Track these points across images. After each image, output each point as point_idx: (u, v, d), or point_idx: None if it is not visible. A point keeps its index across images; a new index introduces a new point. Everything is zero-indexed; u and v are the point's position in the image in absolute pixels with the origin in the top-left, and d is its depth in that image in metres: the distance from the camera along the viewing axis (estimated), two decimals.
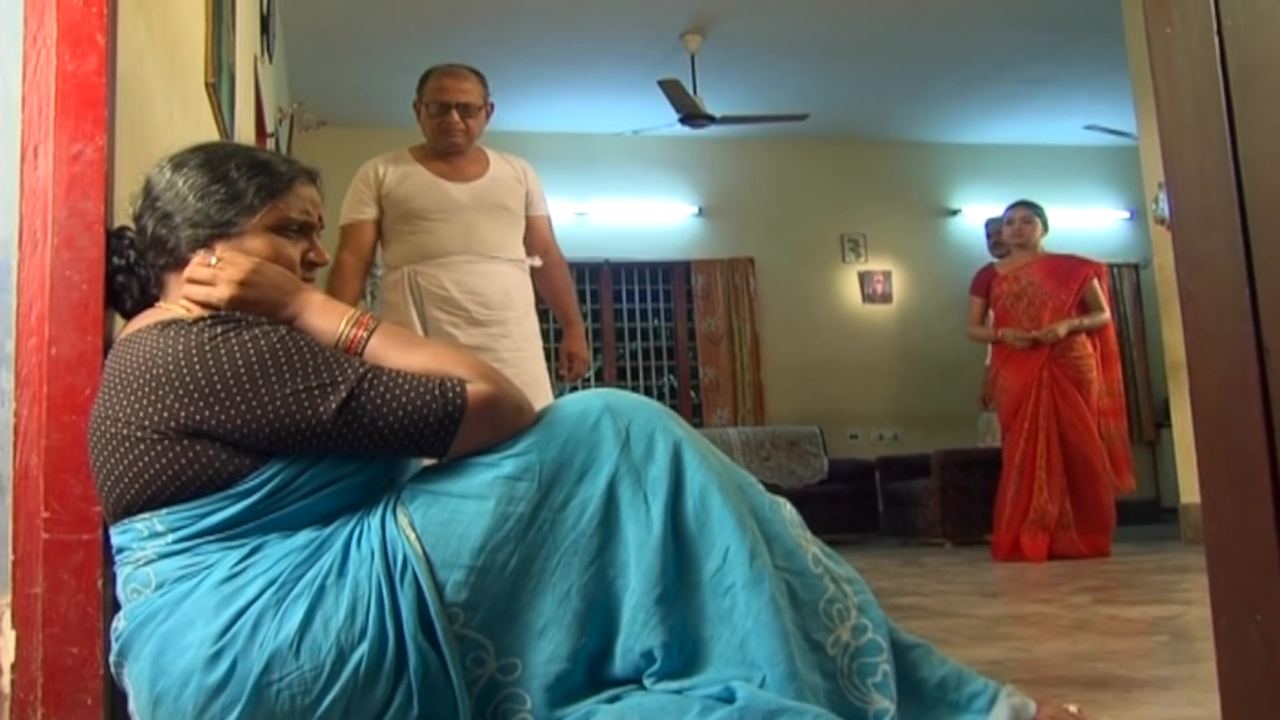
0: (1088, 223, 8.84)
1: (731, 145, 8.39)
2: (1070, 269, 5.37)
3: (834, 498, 7.32)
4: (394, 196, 3.23)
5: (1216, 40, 0.76)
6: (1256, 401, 0.74)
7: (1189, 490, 5.69)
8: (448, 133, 3.24)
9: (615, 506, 1.32)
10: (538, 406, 2.93)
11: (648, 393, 8.36)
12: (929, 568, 4.88)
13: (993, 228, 6.20)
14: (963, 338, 6.00)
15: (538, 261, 3.43)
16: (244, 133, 3.80)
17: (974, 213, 8.84)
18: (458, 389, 1.32)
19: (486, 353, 3.07)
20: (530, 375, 3.19)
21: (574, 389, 2.84)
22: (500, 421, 1.34)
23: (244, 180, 1.45)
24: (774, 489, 5.46)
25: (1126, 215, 9.05)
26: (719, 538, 1.31)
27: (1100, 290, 5.37)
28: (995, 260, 5.82)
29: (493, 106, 3.38)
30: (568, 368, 3.48)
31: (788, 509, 1.42)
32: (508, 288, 3.24)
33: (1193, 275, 0.80)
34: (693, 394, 8.40)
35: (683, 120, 6.81)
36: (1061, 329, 5.19)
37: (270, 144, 5.15)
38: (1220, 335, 0.77)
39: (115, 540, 1.37)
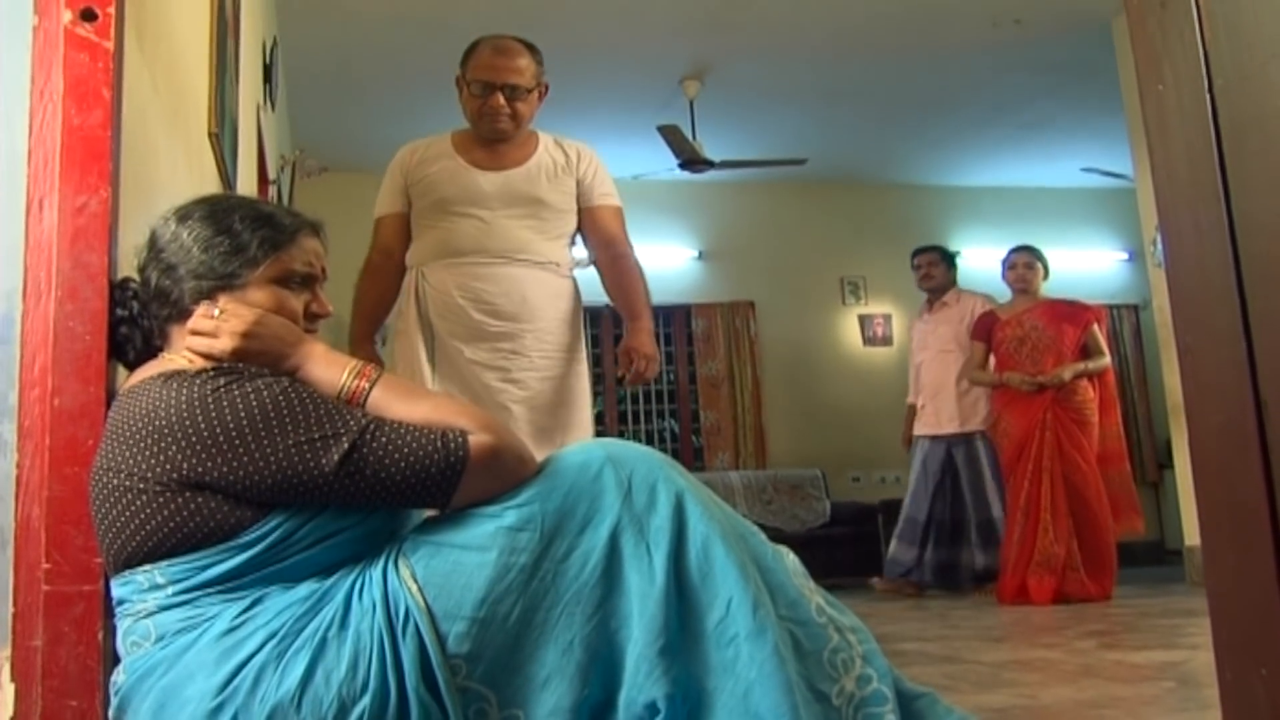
0: (1086, 264, 8.86)
1: (731, 190, 8.43)
2: (1072, 314, 5.40)
3: (837, 541, 7.28)
4: (421, 184, 2.88)
5: (1208, 97, 0.77)
6: (1256, 454, 0.74)
7: (1193, 532, 5.66)
8: (491, 118, 2.84)
9: (618, 557, 1.32)
10: (574, 431, 2.72)
11: (649, 436, 8.37)
12: (932, 611, 4.85)
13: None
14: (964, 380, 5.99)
15: (584, 262, 3.01)
16: (246, 181, 3.83)
17: (973, 255, 8.86)
18: (459, 440, 1.32)
19: (495, 371, 2.75)
20: (547, 402, 2.78)
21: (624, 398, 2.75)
22: (502, 472, 1.34)
23: (248, 233, 1.46)
24: (776, 532, 5.38)
25: (1125, 256, 9.08)
26: (722, 588, 1.30)
27: (1100, 335, 5.40)
28: (996, 305, 5.84)
29: (547, 87, 2.94)
30: (626, 366, 2.90)
31: (791, 558, 1.42)
32: (526, 295, 2.80)
33: (1189, 328, 0.80)
34: (694, 438, 8.38)
35: (682, 165, 6.85)
36: (1066, 373, 5.20)
37: (272, 191, 5.18)
38: (1218, 388, 0.77)
39: (116, 592, 1.36)
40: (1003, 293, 5.77)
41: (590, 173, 2.96)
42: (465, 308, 2.77)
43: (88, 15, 1.53)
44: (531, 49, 2.90)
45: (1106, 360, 5.38)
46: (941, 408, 5.90)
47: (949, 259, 6.16)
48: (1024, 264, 5.52)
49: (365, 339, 2.91)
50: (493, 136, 2.88)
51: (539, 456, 2.43)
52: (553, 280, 2.87)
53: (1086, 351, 5.34)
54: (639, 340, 2.89)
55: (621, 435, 8.10)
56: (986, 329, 5.55)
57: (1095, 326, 5.39)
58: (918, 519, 5.88)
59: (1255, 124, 0.74)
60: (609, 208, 2.98)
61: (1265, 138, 0.74)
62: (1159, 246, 5.81)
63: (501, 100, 2.82)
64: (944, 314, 6.04)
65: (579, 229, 2.99)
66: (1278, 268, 0.73)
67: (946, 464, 5.88)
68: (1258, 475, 0.75)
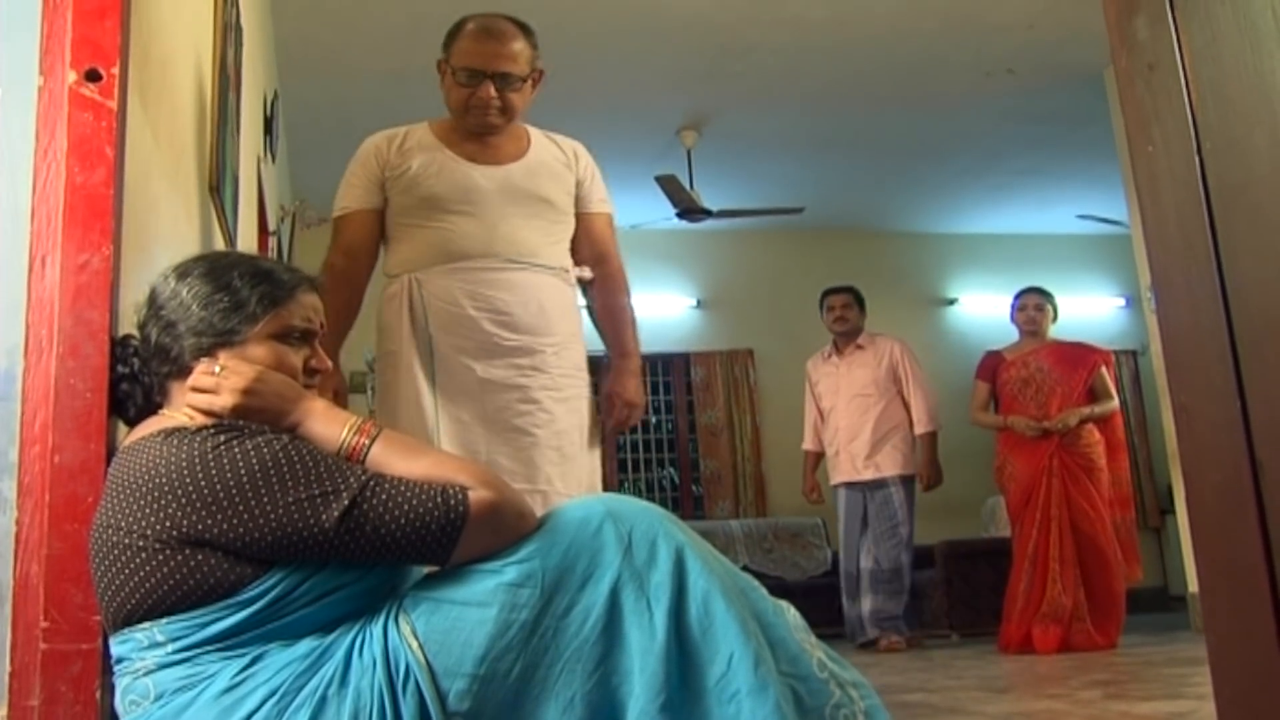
0: (1084, 310, 8.89)
1: (729, 238, 8.47)
2: (1079, 356, 5.37)
3: (838, 589, 7.21)
4: (402, 178, 2.53)
5: (1197, 160, 0.79)
6: (1253, 514, 0.74)
7: (1196, 580, 5.63)
8: (479, 111, 2.52)
9: (618, 613, 1.31)
10: (578, 469, 2.51)
11: (649, 485, 8.35)
12: (936, 661, 4.82)
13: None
14: (965, 426, 5.95)
15: (587, 273, 2.66)
16: (247, 233, 3.85)
17: (971, 302, 8.90)
18: (460, 496, 1.32)
19: (513, 392, 2.43)
20: (567, 426, 2.49)
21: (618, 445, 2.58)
22: (502, 528, 1.34)
23: (247, 289, 1.47)
24: (777, 581, 5.33)
25: (1122, 302, 9.11)
26: (723, 644, 1.30)
27: (1108, 378, 5.36)
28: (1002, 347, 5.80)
29: (542, 73, 2.60)
30: (609, 413, 2.63)
31: (791, 613, 1.41)
32: (543, 305, 2.49)
33: (1184, 388, 0.81)
34: (694, 487, 8.36)
35: (680, 215, 6.89)
36: (1072, 419, 5.15)
37: (272, 242, 5.20)
38: (1214, 448, 0.78)
39: (115, 650, 1.35)
40: (1004, 339, 5.75)
41: (589, 175, 2.69)
42: (476, 319, 2.44)
43: (92, 76, 1.55)
44: (525, 30, 2.57)
45: (1114, 404, 5.32)
46: (858, 453, 5.72)
47: (861, 302, 5.98)
48: (1034, 305, 5.50)
49: (329, 356, 2.58)
50: (480, 131, 2.56)
51: (563, 487, 2.40)
52: (565, 289, 2.59)
53: (1094, 394, 5.30)
54: (623, 384, 2.63)
55: (621, 485, 8.08)
56: (991, 369, 5.50)
57: (1103, 369, 5.35)
58: (853, 571, 5.74)
59: (1243, 188, 0.75)
60: (604, 215, 2.71)
61: (1252, 202, 0.75)
62: (1156, 294, 5.84)
63: (491, 91, 2.50)
64: (858, 357, 5.87)
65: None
66: (1270, 328, 0.74)
67: (864, 511, 5.72)
68: (1255, 534, 0.75)
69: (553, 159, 2.63)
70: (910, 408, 5.78)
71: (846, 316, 5.89)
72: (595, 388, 2.67)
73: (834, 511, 6.00)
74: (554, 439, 2.47)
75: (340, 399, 2.56)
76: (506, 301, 2.46)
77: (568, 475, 2.48)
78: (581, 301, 2.68)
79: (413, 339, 2.46)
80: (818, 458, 6.02)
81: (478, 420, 2.43)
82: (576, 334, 2.58)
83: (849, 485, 5.75)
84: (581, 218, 2.66)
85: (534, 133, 2.67)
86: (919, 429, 5.72)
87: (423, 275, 2.48)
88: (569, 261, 2.62)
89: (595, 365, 2.65)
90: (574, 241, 2.66)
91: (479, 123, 2.55)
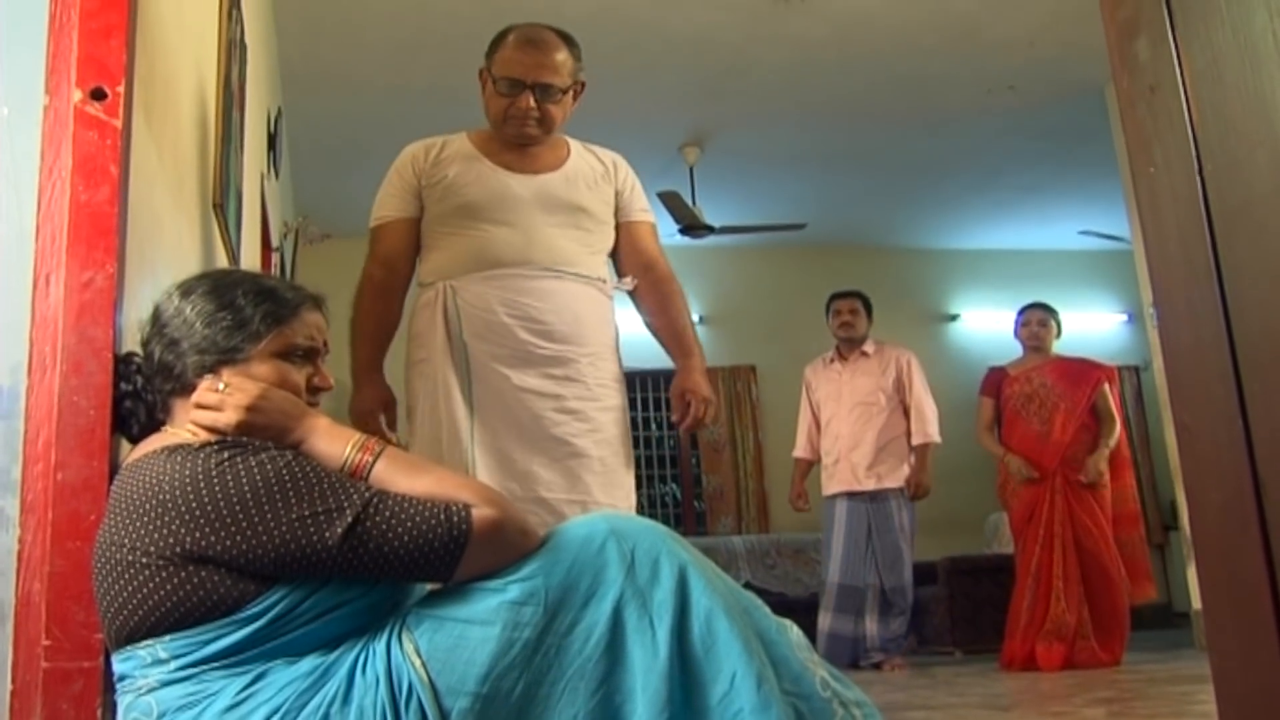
0: (1087, 326, 8.89)
1: (731, 254, 8.49)
2: (1083, 372, 5.35)
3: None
4: (438, 186, 2.51)
5: (1198, 181, 0.79)
6: (1256, 534, 0.74)
7: (1200, 598, 5.60)
8: (518, 122, 2.50)
9: (621, 631, 1.31)
10: (620, 481, 2.48)
11: (652, 502, 8.33)
12: (939, 679, 4.80)
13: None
14: (967, 442, 5.92)
15: (628, 284, 2.64)
16: (250, 249, 3.86)
17: (973, 318, 8.91)
18: (463, 514, 1.32)
19: (548, 400, 2.40)
20: (610, 436, 2.46)
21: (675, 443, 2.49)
22: (505, 546, 1.34)
23: (250, 307, 1.47)
24: (780, 596, 5.26)
25: (1124, 318, 9.11)
26: (725, 662, 1.30)
27: (1111, 396, 5.33)
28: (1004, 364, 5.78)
29: (583, 85, 2.59)
30: (682, 411, 2.58)
31: (794, 632, 1.41)
32: (579, 315, 2.47)
33: (1187, 407, 0.81)
34: (696, 503, 8.35)
35: (683, 231, 6.91)
36: (1102, 463, 5.11)
37: (275, 258, 5.21)
38: (1216, 468, 0.78)
39: (117, 668, 1.35)
40: (1007, 354, 5.73)
41: (629, 185, 2.67)
42: (511, 327, 2.41)
43: (98, 94, 1.55)
44: (569, 41, 2.54)
45: (1117, 430, 5.28)
46: (859, 463, 5.53)
47: (869, 308, 5.79)
48: (1038, 321, 5.47)
49: (373, 367, 2.52)
50: (518, 142, 2.55)
51: (604, 497, 2.38)
52: (601, 300, 2.55)
53: (1095, 414, 5.29)
54: (693, 380, 2.58)
55: None
56: (995, 385, 5.48)
57: (1105, 386, 5.31)
58: (859, 586, 5.42)
59: (1244, 208, 0.76)
60: (647, 224, 2.69)
61: (1253, 222, 0.75)
62: (1158, 313, 5.84)
63: (531, 101, 2.48)
64: (863, 365, 5.68)
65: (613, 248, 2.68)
66: (1272, 348, 0.74)
67: (866, 524, 5.50)
68: (1258, 553, 0.75)
69: (590, 169, 2.62)
70: (910, 418, 5.66)
71: (853, 322, 5.71)
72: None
73: (819, 522, 5.81)
74: (595, 448, 2.44)
75: (390, 412, 2.52)
76: (542, 310, 2.43)
77: (610, 486, 2.43)
78: (620, 314, 2.65)
79: (447, 346, 2.43)
80: (809, 465, 5.82)
81: (513, 429, 2.40)
82: (612, 346, 2.56)
83: (850, 495, 5.54)
84: (623, 227, 2.65)
85: (573, 143, 2.67)
86: (916, 439, 5.58)
87: (458, 282, 2.46)
88: (605, 272, 2.60)
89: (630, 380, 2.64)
90: (617, 251, 2.65)
91: (516, 134, 2.54)
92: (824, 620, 5.46)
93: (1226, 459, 0.77)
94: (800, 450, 5.84)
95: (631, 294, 2.67)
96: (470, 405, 2.41)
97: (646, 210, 2.71)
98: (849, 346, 5.75)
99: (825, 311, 5.92)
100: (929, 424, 5.60)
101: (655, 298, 2.66)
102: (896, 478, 5.52)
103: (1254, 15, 0.77)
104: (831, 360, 5.81)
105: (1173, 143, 0.81)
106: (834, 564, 5.50)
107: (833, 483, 5.61)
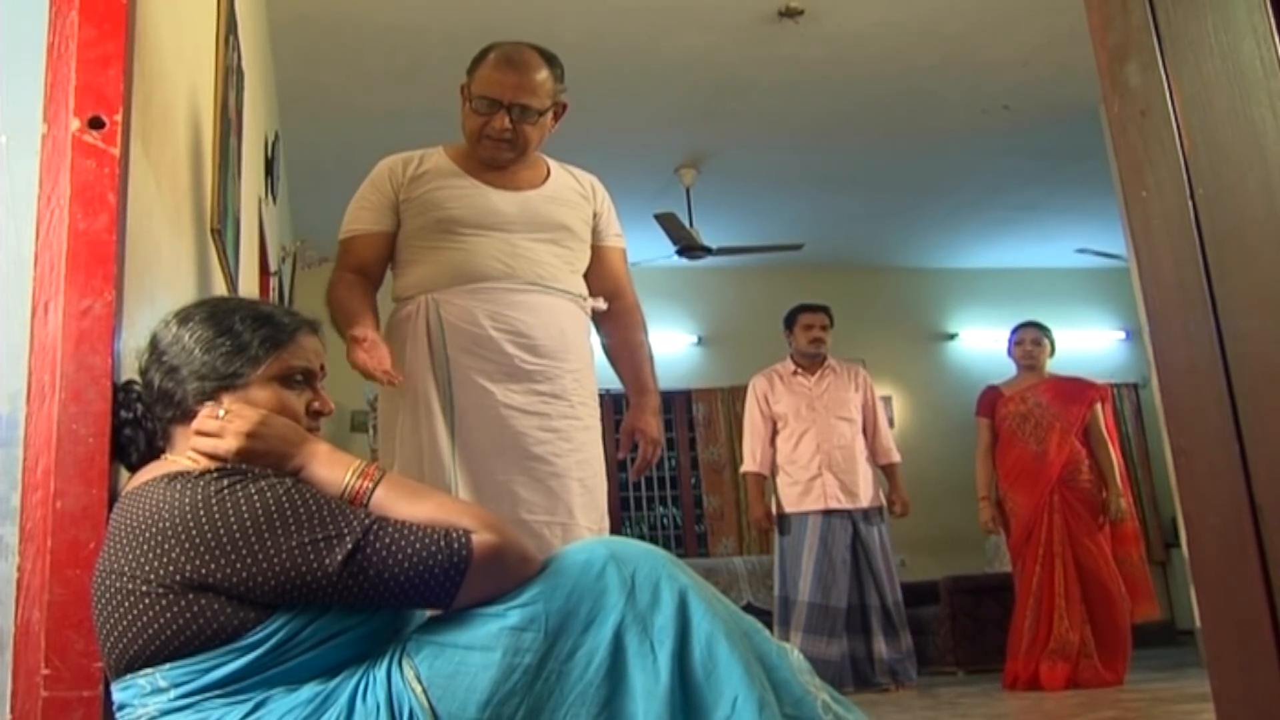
0: (1085, 344, 8.90)
1: (729, 275, 8.50)
2: (1077, 391, 5.34)
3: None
4: (417, 202, 2.47)
5: (1190, 205, 0.79)
6: (1254, 558, 0.74)
7: (1200, 622, 5.57)
8: (490, 142, 2.46)
9: (622, 656, 1.31)
10: (599, 501, 2.47)
11: (652, 523, 8.32)
12: (942, 699, 4.78)
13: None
14: (967, 461, 5.89)
15: (602, 304, 2.61)
16: (248, 274, 3.86)
17: (971, 336, 8.92)
18: (463, 540, 1.32)
19: (532, 418, 2.36)
20: (590, 456, 2.45)
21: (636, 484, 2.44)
22: (505, 572, 1.34)
23: (249, 333, 1.47)
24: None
25: (1122, 335, 9.12)
26: (726, 686, 1.29)
27: (1103, 417, 5.32)
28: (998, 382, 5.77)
29: (564, 105, 2.54)
30: (629, 451, 2.58)
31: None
32: (564, 330, 2.43)
33: (1183, 431, 0.82)
34: (697, 524, 8.34)
35: (680, 252, 6.92)
36: (1123, 501, 5.13)
37: (273, 282, 5.22)
38: (1213, 492, 0.78)
39: (117, 697, 1.35)
40: (1005, 373, 5.72)
41: (605, 207, 2.66)
42: (498, 340, 2.36)
43: (96, 123, 1.56)
44: (550, 61, 2.49)
45: (1112, 456, 5.25)
46: (848, 479, 5.38)
47: (832, 322, 5.74)
48: (1031, 340, 5.47)
49: (364, 314, 2.37)
50: (490, 164, 2.50)
51: (584, 519, 2.37)
52: (583, 317, 2.53)
53: (1088, 435, 5.28)
54: (645, 420, 2.57)
55: (623, 523, 8.05)
56: (990, 405, 5.46)
57: (1099, 406, 5.31)
58: (837, 606, 5.21)
59: (1236, 233, 0.76)
60: (619, 249, 2.66)
61: (1245, 247, 0.76)
62: (1152, 338, 5.83)
63: (506, 122, 2.43)
64: (832, 379, 5.59)
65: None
66: (1267, 372, 0.74)
67: (854, 542, 5.34)
68: (1257, 577, 0.75)
69: (571, 189, 2.60)
70: (869, 437, 5.60)
71: (824, 337, 5.64)
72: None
73: (773, 539, 5.57)
74: (577, 469, 2.42)
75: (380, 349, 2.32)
76: (528, 324, 2.40)
77: (588, 508, 2.41)
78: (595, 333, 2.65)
79: (428, 361, 2.37)
80: (763, 480, 5.61)
81: (495, 447, 2.35)
82: (591, 363, 2.53)
83: (827, 513, 5.34)
84: (597, 250, 2.62)
85: (552, 163, 2.65)
86: (886, 459, 5.54)
87: (440, 296, 2.40)
88: (585, 290, 2.57)
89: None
90: (588, 274, 2.61)
91: (489, 155, 2.50)
92: (795, 641, 5.18)
93: (1223, 483, 0.77)
94: (757, 465, 5.60)
95: (595, 317, 2.63)
96: (450, 423, 2.36)
97: (619, 235, 2.70)
98: (813, 361, 5.65)
99: (787, 324, 5.79)
100: (892, 443, 5.62)
101: (621, 328, 2.65)
102: (876, 495, 5.47)
103: (1241, 42, 0.78)
104: (795, 373, 5.66)
105: (1164, 167, 0.81)
106: (804, 582, 5.26)
107: (806, 499, 5.40)
